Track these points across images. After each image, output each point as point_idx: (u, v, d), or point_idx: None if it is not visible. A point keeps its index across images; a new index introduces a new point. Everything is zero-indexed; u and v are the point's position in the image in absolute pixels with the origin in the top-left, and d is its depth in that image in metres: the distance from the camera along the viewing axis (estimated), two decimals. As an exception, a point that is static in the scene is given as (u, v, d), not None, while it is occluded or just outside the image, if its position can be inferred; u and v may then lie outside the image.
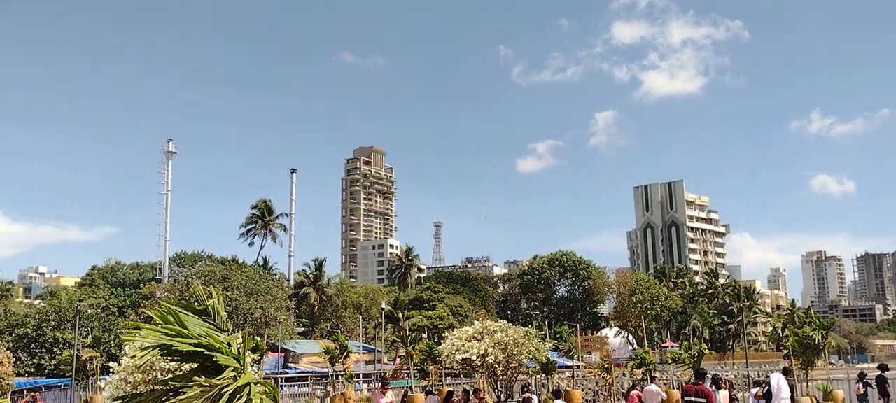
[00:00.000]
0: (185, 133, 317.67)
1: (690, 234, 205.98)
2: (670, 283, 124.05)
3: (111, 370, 22.05)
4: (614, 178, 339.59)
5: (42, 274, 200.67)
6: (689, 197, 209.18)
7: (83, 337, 47.92)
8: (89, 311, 63.01)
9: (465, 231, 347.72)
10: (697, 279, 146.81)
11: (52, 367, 57.33)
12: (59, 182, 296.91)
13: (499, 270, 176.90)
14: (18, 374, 46.79)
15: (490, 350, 27.62)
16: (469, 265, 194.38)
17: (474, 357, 27.73)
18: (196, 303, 10.16)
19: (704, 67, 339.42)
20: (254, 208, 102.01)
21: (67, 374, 45.79)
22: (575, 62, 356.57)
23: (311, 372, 57.41)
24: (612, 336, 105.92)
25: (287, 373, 56.58)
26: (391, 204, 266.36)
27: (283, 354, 61.97)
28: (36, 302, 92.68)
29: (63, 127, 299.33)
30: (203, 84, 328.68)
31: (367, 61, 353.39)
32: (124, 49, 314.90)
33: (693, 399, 15.04)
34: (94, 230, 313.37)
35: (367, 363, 61.23)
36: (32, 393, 19.86)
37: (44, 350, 60.20)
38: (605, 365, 37.54)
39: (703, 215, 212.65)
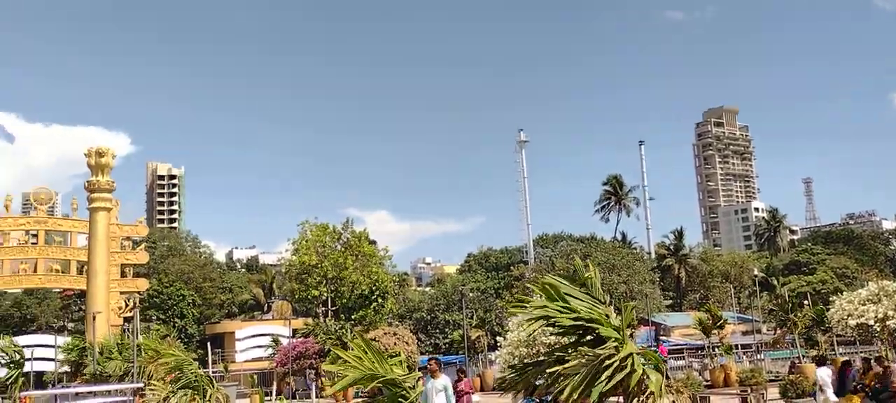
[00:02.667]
0: (534, 119, 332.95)
1: None
2: None
3: (498, 345, 24.07)
4: None
5: (428, 263, 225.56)
6: None
7: (469, 318, 52.86)
8: (471, 294, 69.32)
9: (839, 184, 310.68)
10: None
11: (446, 346, 64.38)
12: (433, 183, 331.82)
13: (889, 224, 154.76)
14: (421, 353, 53.46)
15: (890, 313, 24.30)
16: (850, 221, 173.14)
17: (872, 323, 24.63)
18: (567, 277, 10.61)
19: None
20: (605, 184, 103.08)
21: (460, 352, 51.04)
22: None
23: (685, 345, 56.25)
24: None
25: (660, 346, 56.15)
26: (750, 165, 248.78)
27: (653, 327, 61.70)
28: (426, 289, 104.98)
29: (431, 134, 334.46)
30: (546, 73, 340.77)
31: (696, 15, 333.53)
32: (475, 54, 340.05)
33: None
34: (467, 221, 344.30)
35: (744, 333, 58.13)
36: (460, 370, 22.38)
37: (437, 330, 67.79)
38: None
39: None
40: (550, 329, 10.83)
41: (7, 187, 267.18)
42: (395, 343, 34.39)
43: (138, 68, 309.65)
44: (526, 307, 10.92)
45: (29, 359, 26.42)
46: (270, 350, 56.67)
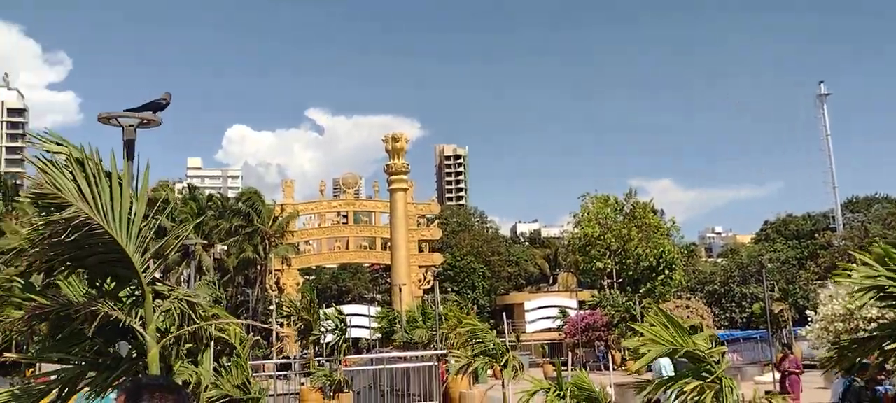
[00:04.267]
0: (835, 70, 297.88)
1: None
2: None
3: (810, 319, 22.01)
4: None
5: (718, 233, 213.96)
6: None
7: (769, 291, 49.05)
8: (769, 265, 64.38)
9: None
10: None
11: (744, 320, 60.50)
12: (722, 147, 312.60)
13: None
14: (716, 327, 50.76)
15: None
16: None
17: None
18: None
19: None
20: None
21: (760, 326, 47.59)
22: None
23: None
24: None
25: None
26: None
27: None
28: (718, 260, 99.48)
29: (717, 94, 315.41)
30: (847, 15, 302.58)
31: None
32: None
33: None
34: (762, 186, 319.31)
35: None
36: (786, 346, 20.23)
37: (733, 303, 63.91)
38: None
39: None
40: (874, 301, 9.60)
41: (320, 174, 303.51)
42: (688, 317, 33.03)
43: (423, 58, 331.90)
44: (849, 276, 9.74)
45: (348, 326, 29.99)
46: (558, 322, 57.62)
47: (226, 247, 61.38)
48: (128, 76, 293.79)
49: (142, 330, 5.83)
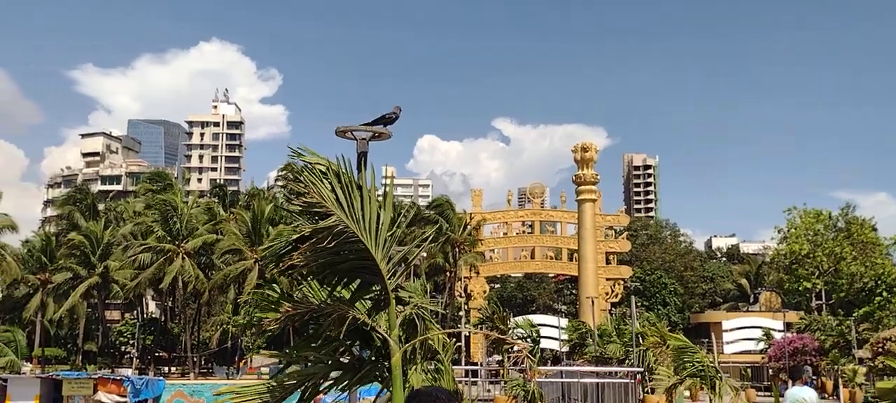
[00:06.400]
0: None
1: None
2: None
3: None
4: None
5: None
6: None
7: None
8: None
9: None
10: None
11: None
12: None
13: None
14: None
15: None
16: None
17: None
18: None
19: None
20: None
21: None
22: None
23: None
24: None
25: None
26: None
27: None
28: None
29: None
30: None
31: None
32: None
33: None
34: None
35: None
36: None
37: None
38: None
39: None
40: None
41: (505, 184, 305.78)
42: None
43: (610, 66, 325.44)
44: None
45: (540, 337, 29.96)
46: (762, 344, 53.96)
47: (425, 254, 63.38)
48: (329, 90, 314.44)
49: (386, 335, 6.04)
